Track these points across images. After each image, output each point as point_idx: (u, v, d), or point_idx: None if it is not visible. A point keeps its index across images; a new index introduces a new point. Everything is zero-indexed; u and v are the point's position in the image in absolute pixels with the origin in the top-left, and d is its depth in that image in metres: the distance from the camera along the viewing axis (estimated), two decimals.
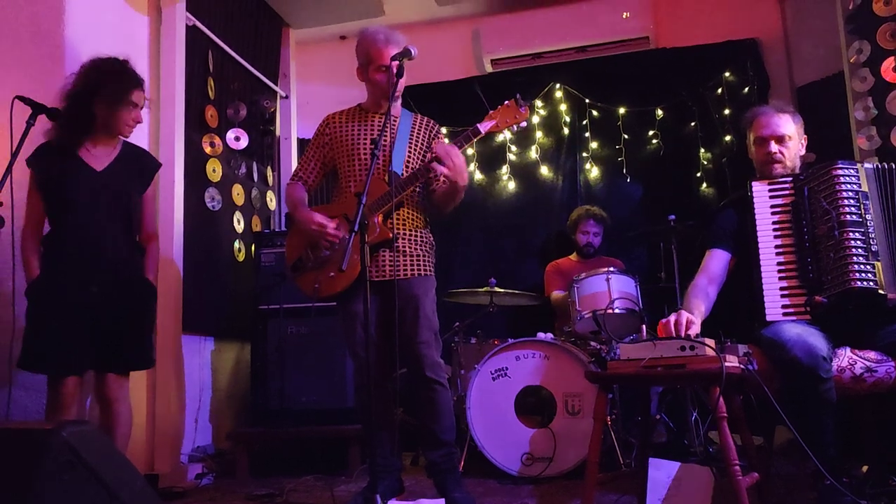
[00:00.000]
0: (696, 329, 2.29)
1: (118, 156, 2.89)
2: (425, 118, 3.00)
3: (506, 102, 2.78)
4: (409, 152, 2.87)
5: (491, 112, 2.80)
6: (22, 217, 2.79)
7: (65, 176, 2.76)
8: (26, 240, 2.79)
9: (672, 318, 2.29)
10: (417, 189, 2.86)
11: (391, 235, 2.73)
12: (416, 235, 2.86)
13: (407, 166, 2.84)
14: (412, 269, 2.81)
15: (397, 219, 2.81)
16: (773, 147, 2.59)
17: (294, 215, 2.91)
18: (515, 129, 2.83)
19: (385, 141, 2.79)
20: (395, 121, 2.88)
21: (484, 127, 2.76)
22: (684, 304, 2.49)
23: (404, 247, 2.81)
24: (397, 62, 2.69)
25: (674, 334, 2.24)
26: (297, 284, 2.90)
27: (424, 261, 2.86)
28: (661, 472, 2.28)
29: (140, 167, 2.96)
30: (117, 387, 2.83)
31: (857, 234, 2.32)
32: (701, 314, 2.41)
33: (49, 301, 2.71)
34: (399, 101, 2.93)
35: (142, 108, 2.90)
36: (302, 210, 2.87)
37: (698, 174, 4.88)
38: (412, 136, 2.90)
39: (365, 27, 2.89)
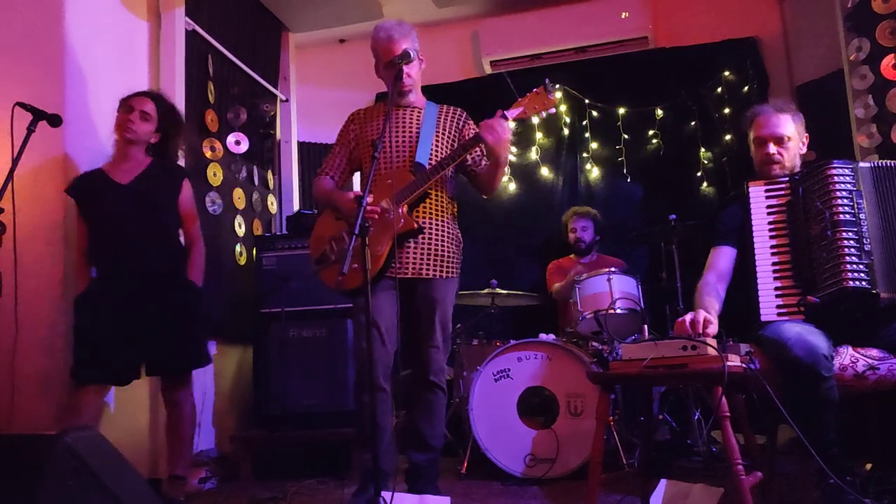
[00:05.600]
0: (714, 328, 2.28)
1: (145, 169, 2.99)
2: (452, 108, 2.95)
3: (535, 89, 2.73)
4: (436, 142, 2.82)
5: (519, 99, 2.75)
6: (24, 224, 2.81)
7: (94, 194, 2.91)
8: (77, 262, 3.00)
9: (688, 317, 2.29)
10: (450, 178, 2.82)
11: (416, 226, 2.69)
12: (442, 231, 2.80)
13: (432, 157, 2.79)
14: (436, 270, 2.76)
15: (424, 210, 2.76)
16: (772, 148, 2.59)
17: (331, 200, 2.82)
18: (544, 114, 2.79)
19: (398, 136, 2.78)
20: (419, 112, 2.86)
21: (511, 113, 2.71)
22: (697, 303, 2.47)
23: (429, 244, 2.76)
24: (396, 66, 2.70)
25: (690, 333, 2.23)
26: (321, 279, 2.82)
27: (450, 261, 2.81)
28: (669, 492, 2.27)
29: (166, 176, 3.05)
30: (182, 389, 2.99)
31: (850, 233, 2.31)
32: (716, 312, 2.40)
33: (89, 314, 2.84)
34: (418, 94, 2.90)
35: (140, 112, 2.96)
36: (337, 193, 2.80)
37: (699, 174, 4.88)
38: (438, 126, 2.85)
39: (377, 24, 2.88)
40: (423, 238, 2.75)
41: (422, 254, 2.74)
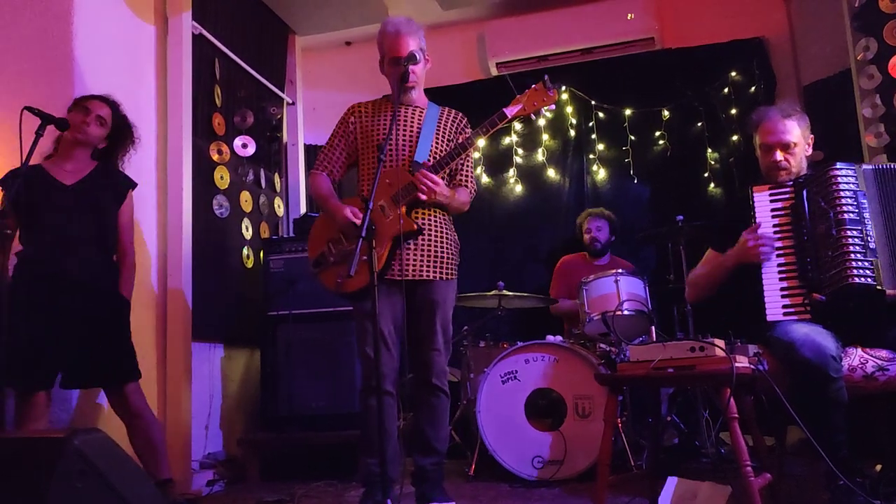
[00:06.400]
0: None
1: (90, 173, 2.92)
2: (453, 111, 2.94)
3: (533, 86, 2.71)
4: (436, 143, 2.80)
5: (518, 96, 2.73)
6: None
7: (33, 190, 2.79)
8: None
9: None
10: (445, 180, 2.79)
11: (416, 227, 2.67)
12: (441, 233, 2.79)
13: (431, 158, 2.77)
14: (436, 272, 2.74)
15: (423, 213, 2.75)
16: (779, 156, 2.58)
17: (326, 206, 2.81)
18: (544, 111, 2.76)
19: (399, 135, 2.76)
20: (421, 112, 2.84)
21: (510, 111, 2.69)
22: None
23: (429, 245, 2.75)
24: (402, 67, 2.69)
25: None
26: (319, 280, 2.80)
27: (449, 263, 2.79)
28: (678, 491, 2.26)
29: (112, 183, 2.98)
30: (132, 400, 2.88)
31: (854, 232, 2.32)
32: None
33: (17, 313, 2.67)
34: (420, 93, 2.88)
35: (96, 116, 2.90)
36: (333, 201, 2.78)
37: (705, 174, 4.87)
38: (439, 127, 2.84)
39: (385, 20, 2.87)
40: (423, 239, 2.73)
41: (421, 255, 2.73)
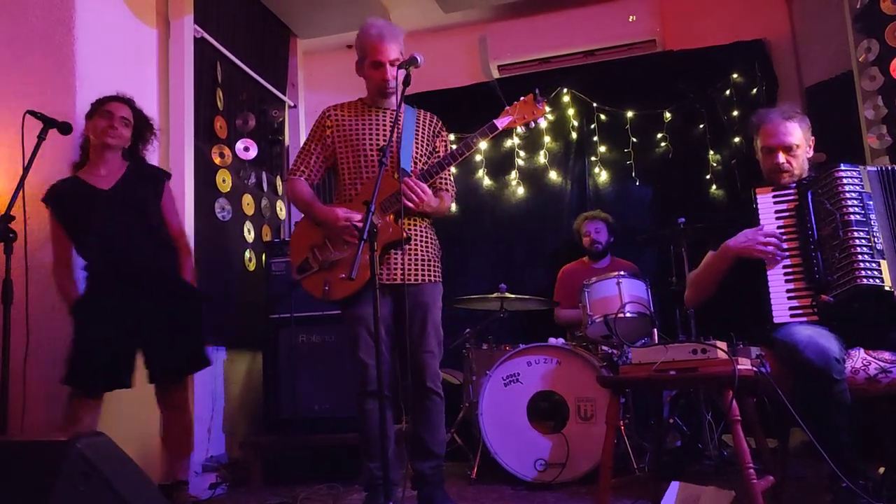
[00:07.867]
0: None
1: (125, 173, 2.96)
2: (428, 113, 2.94)
3: (522, 98, 2.74)
4: (416, 148, 2.82)
5: (507, 108, 2.74)
6: (34, 230, 2.83)
7: (77, 202, 2.85)
8: (58, 270, 2.90)
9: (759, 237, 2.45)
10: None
11: (405, 235, 2.68)
12: (426, 238, 2.82)
13: (415, 163, 2.79)
14: (423, 275, 2.77)
15: (409, 219, 2.76)
16: (781, 158, 2.58)
17: (310, 211, 2.79)
18: (532, 125, 2.78)
19: (381, 140, 2.77)
20: (399, 116, 2.84)
21: (501, 123, 2.71)
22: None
23: (416, 249, 2.77)
24: (404, 71, 2.68)
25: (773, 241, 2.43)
26: (303, 287, 2.80)
27: (434, 266, 2.82)
28: (680, 495, 2.26)
29: (148, 178, 3.03)
30: (182, 391, 2.98)
31: (861, 233, 2.32)
32: None
33: (90, 321, 2.80)
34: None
35: (120, 118, 2.93)
36: (318, 205, 2.77)
37: (707, 176, 4.87)
38: (417, 132, 2.85)
39: (364, 21, 2.84)
40: (410, 244, 2.75)
41: (409, 259, 2.74)
